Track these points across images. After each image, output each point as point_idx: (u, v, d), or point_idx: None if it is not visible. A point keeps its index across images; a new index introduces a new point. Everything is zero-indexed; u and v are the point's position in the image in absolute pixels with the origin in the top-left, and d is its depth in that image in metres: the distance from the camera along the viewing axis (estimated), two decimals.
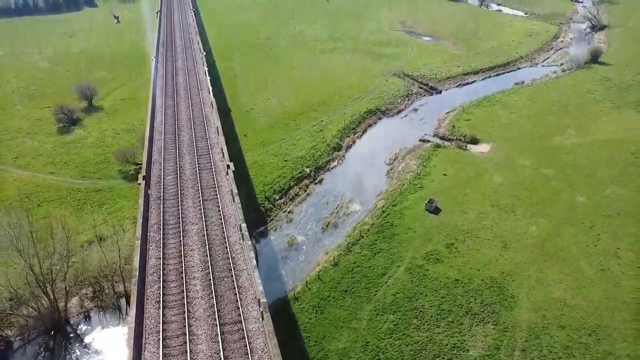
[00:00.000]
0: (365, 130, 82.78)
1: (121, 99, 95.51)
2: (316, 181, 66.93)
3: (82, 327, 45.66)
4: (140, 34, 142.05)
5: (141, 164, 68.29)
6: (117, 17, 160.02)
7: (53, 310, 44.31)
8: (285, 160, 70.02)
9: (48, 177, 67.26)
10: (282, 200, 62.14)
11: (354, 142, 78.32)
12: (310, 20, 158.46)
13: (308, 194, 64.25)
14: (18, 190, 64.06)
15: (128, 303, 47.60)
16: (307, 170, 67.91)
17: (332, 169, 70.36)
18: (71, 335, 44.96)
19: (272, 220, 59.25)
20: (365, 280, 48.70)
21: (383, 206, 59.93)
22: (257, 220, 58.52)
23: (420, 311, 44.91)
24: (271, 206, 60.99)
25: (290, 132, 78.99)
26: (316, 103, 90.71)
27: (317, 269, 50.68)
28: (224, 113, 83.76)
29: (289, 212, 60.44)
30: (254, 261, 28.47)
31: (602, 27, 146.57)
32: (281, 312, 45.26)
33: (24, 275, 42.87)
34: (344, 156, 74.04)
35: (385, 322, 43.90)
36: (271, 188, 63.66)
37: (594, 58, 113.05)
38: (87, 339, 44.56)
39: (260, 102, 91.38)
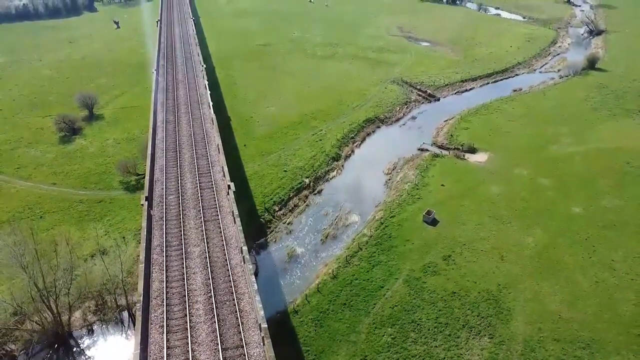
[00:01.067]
0: (364, 139, 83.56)
1: (122, 107, 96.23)
2: (315, 192, 67.68)
3: (85, 341, 46.41)
4: (140, 40, 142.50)
5: (142, 174, 69.43)
6: (117, 23, 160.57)
7: (56, 324, 45.02)
8: (285, 171, 70.76)
9: (50, 188, 67.95)
10: (281, 212, 62.90)
11: (352, 151, 79.08)
12: (309, 26, 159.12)
13: (307, 205, 65.01)
14: (20, 201, 64.81)
15: (130, 316, 48.48)
16: (307, 180, 68.67)
17: (331, 179, 71.10)
18: (74, 349, 45.71)
19: (272, 231, 60.00)
20: (364, 293, 49.46)
21: (381, 218, 60.70)
22: (257, 231, 59.29)
23: (418, 324, 45.67)
24: (271, 217, 61.76)
25: (289, 142, 79.72)
26: (315, 111, 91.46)
27: (316, 282, 51.45)
28: (224, 122, 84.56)
29: (288, 224, 61.20)
30: (255, 285, 29.19)
31: (600, 32, 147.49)
32: (281, 326, 46.00)
33: (28, 290, 43.56)
34: (342, 166, 74.80)
35: (384, 335, 44.67)
36: (271, 199, 64.40)
37: (591, 64, 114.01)
38: (90, 353, 45.33)
39: (259, 111, 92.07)
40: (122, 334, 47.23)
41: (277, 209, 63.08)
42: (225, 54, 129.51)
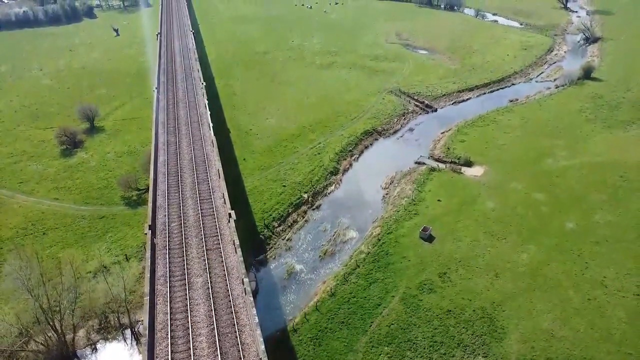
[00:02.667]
0: (362, 152, 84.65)
1: (122, 118, 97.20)
2: (314, 207, 68.76)
3: None
4: (140, 49, 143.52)
5: (143, 189, 70.60)
6: (116, 30, 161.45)
7: (61, 344, 46.07)
8: (284, 186, 71.84)
9: (52, 204, 68.92)
10: (280, 228, 63.97)
11: (350, 165, 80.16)
12: (308, 33, 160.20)
13: (306, 221, 66.10)
14: (24, 217, 65.80)
15: (133, 334, 49.60)
16: (305, 196, 69.74)
17: (329, 194, 72.20)
18: None
19: (271, 248, 61.07)
20: (361, 311, 50.57)
21: (379, 234, 61.79)
22: (257, 248, 60.41)
23: (414, 343, 46.79)
24: (270, 234, 62.83)
25: (288, 156, 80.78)
26: (314, 123, 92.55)
27: (315, 300, 52.53)
28: (224, 135, 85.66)
29: (287, 240, 62.27)
30: (256, 318, 30.29)
31: (596, 40, 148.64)
32: (281, 345, 47.10)
33: (33, 312, 44.68)
34: (341, 180, 75.87)
35: (380, 354, 45.77)
36: (270, 215, 65.47)
37: (587, 74, 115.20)
38: None
39: (259, 123, 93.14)
40: (125, 352, 48.25)
41: (276, 225, 64.16)
42: (225, 63, 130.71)
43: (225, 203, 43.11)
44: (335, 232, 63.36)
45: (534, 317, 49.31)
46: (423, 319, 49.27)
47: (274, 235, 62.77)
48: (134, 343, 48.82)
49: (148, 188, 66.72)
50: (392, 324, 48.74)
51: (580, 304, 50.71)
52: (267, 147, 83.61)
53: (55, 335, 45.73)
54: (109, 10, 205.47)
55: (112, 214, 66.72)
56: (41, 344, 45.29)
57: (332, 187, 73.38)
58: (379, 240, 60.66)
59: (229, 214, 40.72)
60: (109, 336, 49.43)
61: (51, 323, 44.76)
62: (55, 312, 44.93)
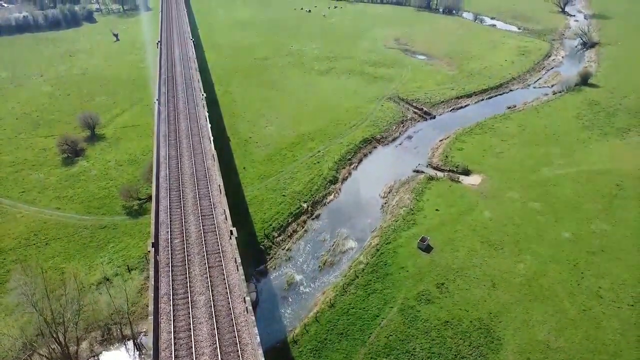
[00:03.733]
0: (360, 161, 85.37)
1: (123, 126, 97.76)
2: (313, 217, 69.48)
3: None
4: (140, 54, 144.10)
5: (144, 198, 71.30)
6: (116, 35, 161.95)
7: (65, 356, 46.75)
8: (284, 195, 72.57)
9: (54, 213, 69.55)
10: (280, 238, 64.70)
11: (349, 173, 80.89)
12: (307, 38, 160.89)
13: (306, 231, 66.83)
14: (26, 227, 66.41)
15: (135, 346, 50.35)
16: (305, 205, 70.49)
17: (328, 203, 72.92)
18: None
19: (271, 258, 61.81)
20: (360, 322, 51.35)
21: (377, 244, 62.57)
22: (258, 259, 61.13)
23: (412, 354, 47.57)
24: (270, 244, 63.55)
25: (287, 164, 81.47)
26: (313, 131, 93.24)
27: (314, 310, 53.30)
28: (224, 143, 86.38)
29: (287, 250, 63.02)
30: (258, 338, 31.02)
31: (593, 45, 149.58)
32: (281, 356, 47.87)
33: (37, 325, 45.38)
34: (340, 189, 76.60)
35: None
36: (270, 225, 66.21)
37: (584, 80, 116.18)
38: None
39: (258, 131, 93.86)
40: None
41: (276, 235, 64.89)
42: (224, 69, 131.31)
43: (226, 219, 43.86)
44: (334, 242, 64.13)
45: (530, 328, 50.13)
46: (421, 330, 50.06)
47: (273, 245, 63.52)
48: (137, 354, 49.56)
49: (149, 197, 67.71)
50: (391, 335, 49.52)
51: (576, 315, 51.54)
52: (267, 156, 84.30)
53: (58, 347, 46.38)
54: (109, 14, 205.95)
55: (113, 223, 67.35)
56: (45, 356, 45.98)
57: (332, 197, 74.14)
58: (378, 250, 61.45)
59: (230, 231, 41.47)
60: (112, 348, 50.15)
61: (55, 335, 45.38)
62: (58, 324, 45.61)
